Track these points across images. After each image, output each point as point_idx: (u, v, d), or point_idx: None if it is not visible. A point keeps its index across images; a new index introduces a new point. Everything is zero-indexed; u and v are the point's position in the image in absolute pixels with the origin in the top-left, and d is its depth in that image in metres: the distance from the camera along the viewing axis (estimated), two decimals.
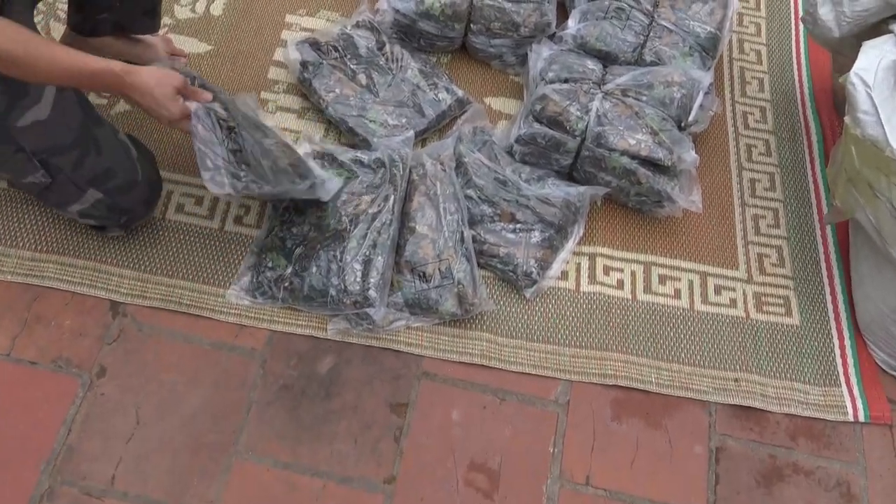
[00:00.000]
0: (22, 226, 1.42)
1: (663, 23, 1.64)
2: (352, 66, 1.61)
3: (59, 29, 1.66)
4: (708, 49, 1.66)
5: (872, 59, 1.26)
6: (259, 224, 1.48)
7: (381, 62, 1.64)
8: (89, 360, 1.33)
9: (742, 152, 1.69)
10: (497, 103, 1.70)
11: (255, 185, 1.24)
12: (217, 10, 1.76)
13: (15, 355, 1.32)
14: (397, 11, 1.64)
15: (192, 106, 1.20)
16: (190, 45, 1.69)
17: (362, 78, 1.61)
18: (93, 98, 1.57)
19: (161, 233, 1.45)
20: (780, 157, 1.70)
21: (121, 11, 1.49)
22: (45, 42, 1.09)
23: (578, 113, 1.48)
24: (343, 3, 1.81)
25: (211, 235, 1.46)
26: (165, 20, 1.71)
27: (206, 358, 1.35)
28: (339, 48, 1.63)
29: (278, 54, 1.70)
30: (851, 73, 1.25)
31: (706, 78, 1.57)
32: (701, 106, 1.56)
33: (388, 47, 1.66)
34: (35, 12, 1.65)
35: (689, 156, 1.46)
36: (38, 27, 1.66)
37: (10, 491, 1.20)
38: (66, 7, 1.69)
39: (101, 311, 1.37)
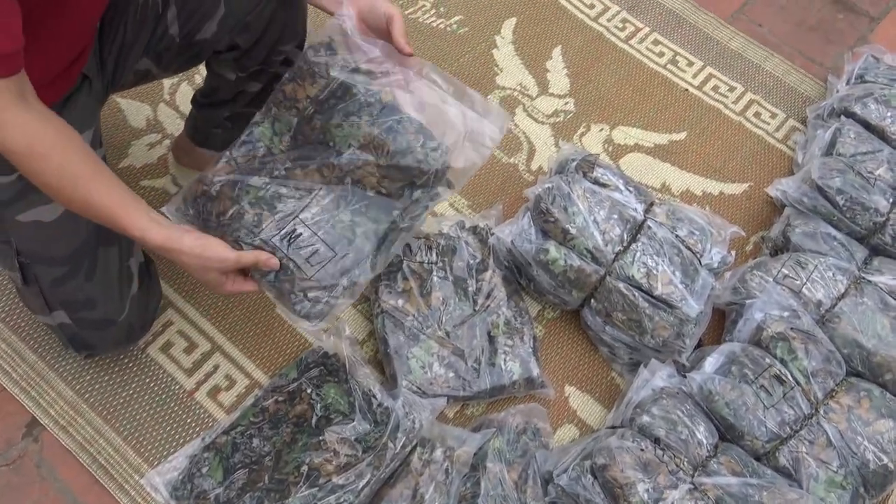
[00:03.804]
0: (2, 284, 1.28)
1: (826, 425, 1.20)
2: (436, 278, 1.33)
3: (188, 93, 1.53)
4: (871, 486, 1.20)
5: None
6: (233, 409, 1.24)
7: (470, 289, 1.34)
8: None
9: None
10: (577, 400, 1.34)
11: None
12: None
13: None
14: (514, 245, 1.34)
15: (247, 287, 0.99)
16: None
17: (437, 297, 1.32)
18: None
19: (130, 365, 1.25)
20: None
21: (232, 132, 1.33)
22: (90, 174, 0.90)
23: (646, 497, 1.09)
24: (479, 192, 1.54)
25: (176, 396, 1.24)
26: None
27: None
28: (438, 249, 1.36)
29: None
30: None
31: None
32: None
33: (487, 275, 1.36)
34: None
35: None
36: (170, 86, 1.55)
37: None
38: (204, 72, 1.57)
39: (16, 423, 1.19)
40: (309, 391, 1.22)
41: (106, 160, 1.13)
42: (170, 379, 1.25)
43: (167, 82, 1.54)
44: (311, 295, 0.97)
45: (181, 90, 1.54)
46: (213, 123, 1.32)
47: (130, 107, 1.50)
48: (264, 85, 1.29)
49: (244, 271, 0.99)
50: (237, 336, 1.30)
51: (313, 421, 1.18)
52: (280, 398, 1.22)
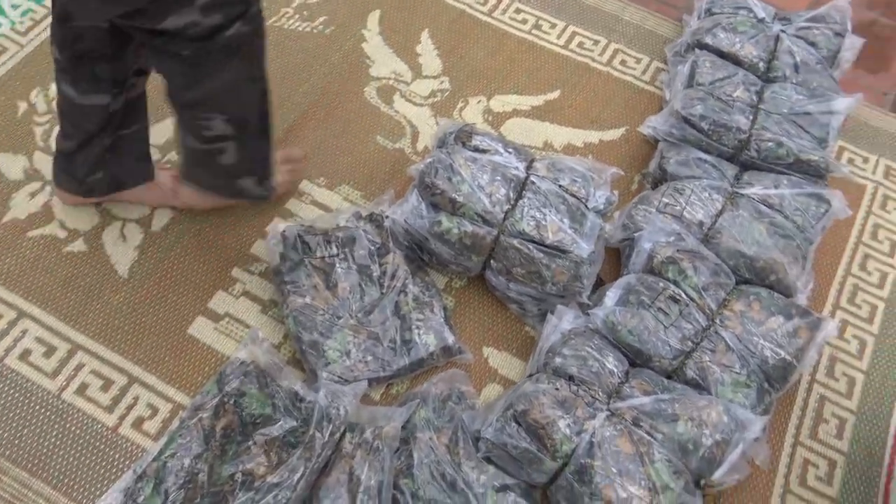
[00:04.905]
0: None
1: (723, 333, 1.28)
2: (339, 269, 1.36)
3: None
4: (774, 380, 1.28)
5: None
6: (160, 435, 1.24)
7: (375, 274, 1.37)
8: None
9: None
10: (497, 359, 1.38)
11: None
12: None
13: None
14: (408, 224, 1.38)
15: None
16: None
17: (344, 288, 1.35)
18: None
19: (47, 414, 1.24)
20: None
21: (113, 162, 1.31)
22: None
23: (568, 431, 1.15)
24: (370, 181, 1.57)
25: (99, 435, 1.23)
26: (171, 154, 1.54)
27: None
28: (337, 242, 1.39)
29: (272, 227, 1.47)
30: None
31: (757, 425, 1.20)
32: (739, 458, 1.19)
33: (390, 258, 1.39)
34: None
35: None
36: (41, 133, 1.52)
37: None
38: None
39: None
40: (232, 402, 1.23)
41: None
42: (90, 420, 1.24)
43: (38, 129, 1.52)
44: None
45: (55, 133, 1.52)
46: (93, 166, 1.30)
47: (5, 160, 1.48)
48: (135, 99, 1.25)
49: None
50: (152, 364, 1.30)
51: (240, 430, 1.20)
52: (204, 415, 1.23)
